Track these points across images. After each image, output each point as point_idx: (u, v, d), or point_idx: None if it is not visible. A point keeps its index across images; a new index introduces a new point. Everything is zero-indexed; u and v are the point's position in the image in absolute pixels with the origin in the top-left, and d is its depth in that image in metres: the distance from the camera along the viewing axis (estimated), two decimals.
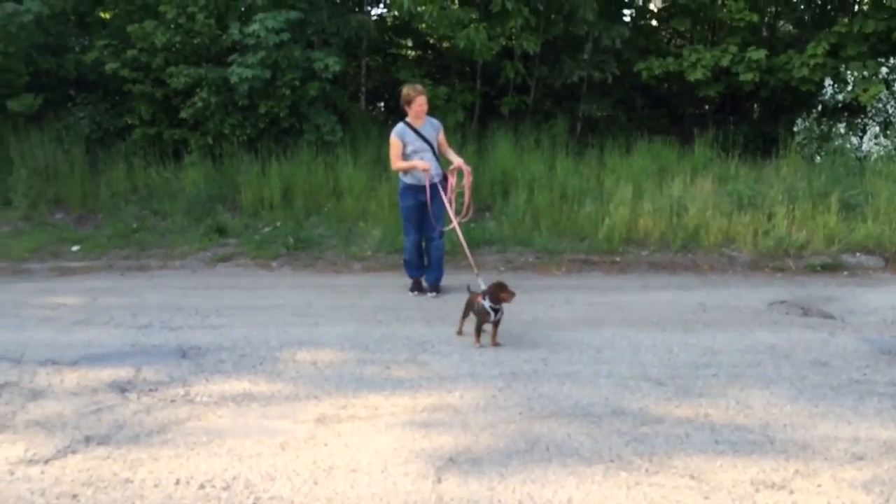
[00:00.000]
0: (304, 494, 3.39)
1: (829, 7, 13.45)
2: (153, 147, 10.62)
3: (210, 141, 10.51)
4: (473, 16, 10.75)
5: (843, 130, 11.00)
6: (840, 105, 11.48)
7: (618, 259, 8.24)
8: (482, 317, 5.37)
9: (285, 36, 9.69)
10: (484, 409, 4.30)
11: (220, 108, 10.32)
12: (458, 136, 10.76)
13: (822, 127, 11.43)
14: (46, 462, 3.73)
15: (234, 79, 9.74)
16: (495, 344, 5.42)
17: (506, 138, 10.80)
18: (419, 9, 10.62)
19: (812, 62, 11.24)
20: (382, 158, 8.64)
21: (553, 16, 11.81)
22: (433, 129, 6.68)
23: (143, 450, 3.84)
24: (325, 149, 10.40)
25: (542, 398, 4.45)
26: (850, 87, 11.07)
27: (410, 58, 13.09)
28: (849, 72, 11.10)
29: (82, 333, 5.73)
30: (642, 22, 13.64)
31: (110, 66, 10.26)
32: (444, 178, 6.68)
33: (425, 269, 7.00)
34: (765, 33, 13.22)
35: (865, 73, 11.01)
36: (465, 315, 5.63)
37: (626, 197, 9.01)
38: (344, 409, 4.31)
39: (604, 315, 6.26)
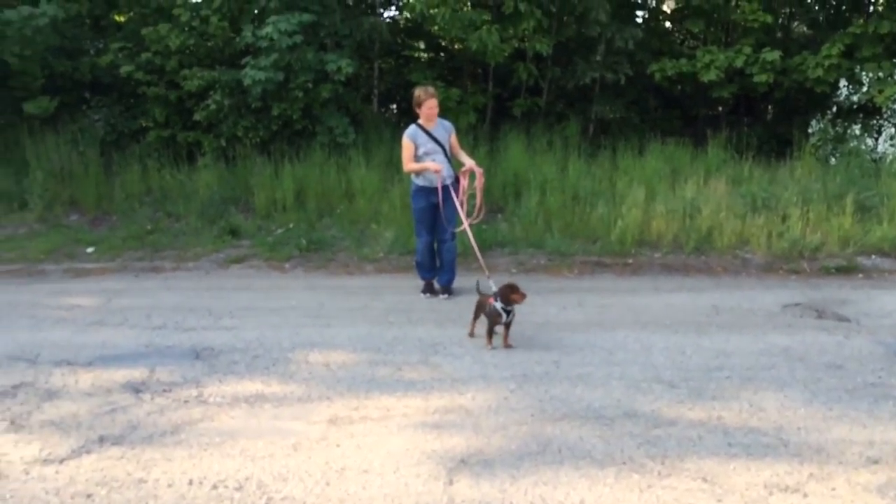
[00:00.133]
0: (316, 495, 3.40)
1: (843, 8, 13.36)
2: (167, 149, 10.70)
3: (223, 143, 10.57)
4: (486, 17, 10.75)
5: (858, 132, 10.93)
6: (855, 106, 11.41)
7: (630, 261, 8.21)
8: (494, 318, 5.36)
9: (298, 38, 9.73)
10: (496, 411, 4.29)
11: (234, 111, 10.38)
12: (471, 137, 10.77)
13: (837, 128, 11.36)
14: (61, 462, 3.76)
15: (247, 81, 9.79)
16: (507, 346, 5.41)
17: (518, 140, 10.79)
18: (431, 11, 10.64)
19: (827, 63, 11.17)
20: (395, 160, 8.66)
21: (565, 17, 11.79)
22: (445, 131, 6.69)
23: (156, 450, 3.86)
24: (337, 151, 10.44)
25: (554, 400, 4.44)
26: (865, 89, 10.99)
27: (423, 60, 13.11)
28: (864, 73, 11.02)
29: (97, 334, 5.77)
30: (655, 23, 13.60)
31: (125, 69, 10.34)
32: (456, 180, 6.68)
33: (437, 271, 7.00)
34: (779, 34, 13.15)
35: (881, 74, 10.94)
36: (476, 317, 5.62)
37: (639, 199, 8.98)
38: (356, 410, 4.32)
39: (616, 317, 6.24)
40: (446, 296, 6.92)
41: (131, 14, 11.27)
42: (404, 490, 3.44)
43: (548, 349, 5.38)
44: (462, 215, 6.51)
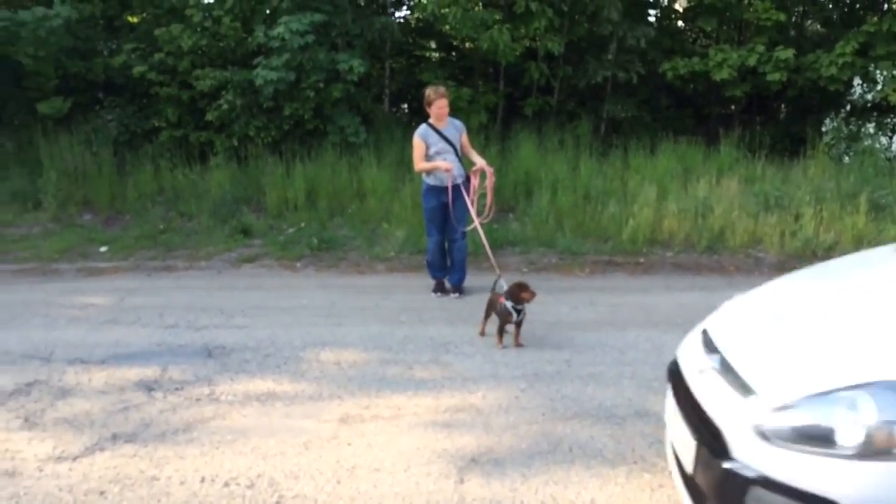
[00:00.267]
0: (327, 493, 3.41)
1: (857, 6, 13.28)
2: (179, 149, 10.75)
3: (235, 143, 10.62)
4: (497, 17, 10.75)
5: (872, 130, 10.86)
6: (869, 105, 11.33)
7: (642, 260, 8.18)
8: (504, 317, 5.36)
9: (310, 38, 9.75)
10: (506, 410, 4.29)
11: (246, 111, 10.42)
12: (482, 137, 10.76)
13: (851, 127, 11.28)
14: (74, 459, 3.78)
15: (259, 81, 9.82)
16: (518, 345, 5.40)
17: (529, 139, 10.78)
18: (443, 10, 10.65)
19: (840, 61, 11.10)
20: (406, 160, 8.66)
21: (577, 16, 11.76)
22: (456, 130, 6.69)
23: (169, 448, 3.88)
24: (348, 150, 10.46)
25: (565, 399, 4.44)
26: (879, 87, 10.92)
27: (434, 59, 13.12)
28: (878, 71, 10.95)
29: (110, 333, 5.80)
30: (667, 22, 13.56)
31: (138, 70, 10.40)
32: (467, 180, 6.68)
33: (448, 270, 7.00)
34: (792, 32, 13.08)
35: (895, 72, 10.85)
36: (487, 316, 5.62)
37: (651, 198, 8.95)
38: (367, 409, 4.32)
39: (627, 316, 6.22)
40: (457, 295, 6.92)
41: (144, 15, 11.33)
42: (415, 489, 3.45)
43: (559, 348, 5.37)
44: (473, 214, 6.52)
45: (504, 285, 5.58)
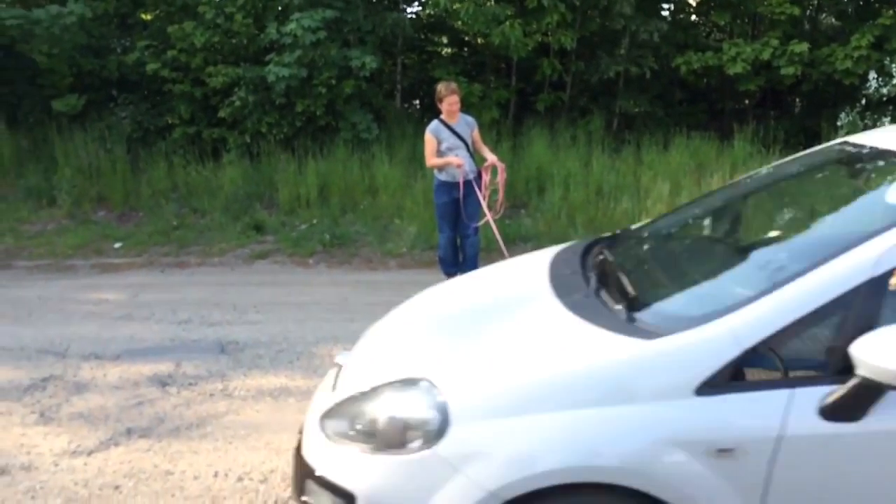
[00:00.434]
0: None
1: None
2: (192, 146, 10.78)
3: (248, 139, 10.64)
4: (509, 12, 10.71)
5: (887, 124, 10.75)
6: (885, 98, 11.22)
7: None
8: None
9: (322, 34, 9.75)
10: None
11: (258, 107, 10.44)
12: (494, 133, 10.74)
13: (866, 121, 11.18)
14: (89, 454, 3.82)
15: (271, 78, 9.84)
16: None
17: (541, 135, 10.75)
18: (455, 6, 10.62)
19: (856, 55, 10.99)
20: (418, 156, 8.66)
21: (589, 11, 11.70)
22: (467, 126, 6.68)
23: (182, 443, 3.91)
24: (360, 147, 10.46)
25: None
26: (894, 81, 10.80)
27: (445, 55, 13.09)
28: (893, 65, 10.83)
29: (124, 328, 5.84)
30: (681, 16, 13.47)
31: (151, 67, 10.44)
32: (479, 175, 6.68)
33: (460, 266, 6.98)
34: (806, 26, 12.96)
35: None
36: None
37: (664, 193, 8.91)
38: None
39: None
40: None
41: (157, 12, 11.36)
42: None
43: None
44: (485, 209, 6.52)
45: None
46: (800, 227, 3.18)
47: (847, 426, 2.13)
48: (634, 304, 2.59)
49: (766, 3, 11.87)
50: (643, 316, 2.50)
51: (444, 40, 13.43)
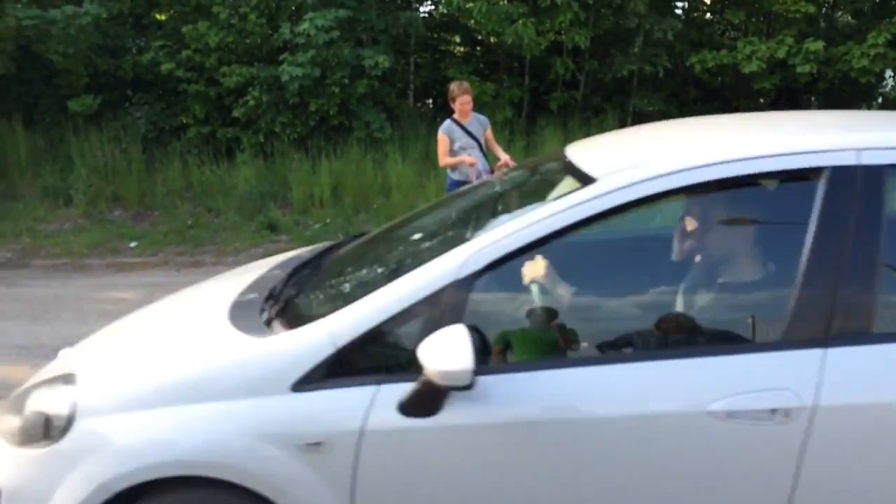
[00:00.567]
0: None
1: None
2: (207, 145, 10.84)
3: (261, 139, 10.68)
4: (522, 11, 10.70)
5: None
6: None
7: None
8: None
9: (335, 34, 9.78)
10: None
11: (272, 107, 10.48)
12: (507, 132, 10.72)
13: None
14: None
15: (284, 77, 9.87)
16: None
17: (555, 134, 10.72)
18: (468, 5, 10.62)
19: (872, 53, 10.88)
20: (430, 155, 8.66)
21: (603, 9, 11.65)
22: (480, 125, 6.67)
23: None
24: (373, 146, 10.48)
25: None
26: None
27: (458, 54, 13.08)
28: None
29: None
30: (695, 14, 13.40)
31: (165, 67, 10.50)
32: (492, 174, 6.67)
33: None
34: (822, 24, 12.86)
35: None
36: None
37: None
38: None
39: None
40: None
41: (172, 12, 11.43)
42: None
43: None
44: None
45: None
46: (446, 231, 3.11)
47: (419, 422, 2.18)
48: (282, 309, 2.66)
49: (780, 1, 11.78)
50: (281, 319, 2.56)
51: (457, 39, 13.42)
